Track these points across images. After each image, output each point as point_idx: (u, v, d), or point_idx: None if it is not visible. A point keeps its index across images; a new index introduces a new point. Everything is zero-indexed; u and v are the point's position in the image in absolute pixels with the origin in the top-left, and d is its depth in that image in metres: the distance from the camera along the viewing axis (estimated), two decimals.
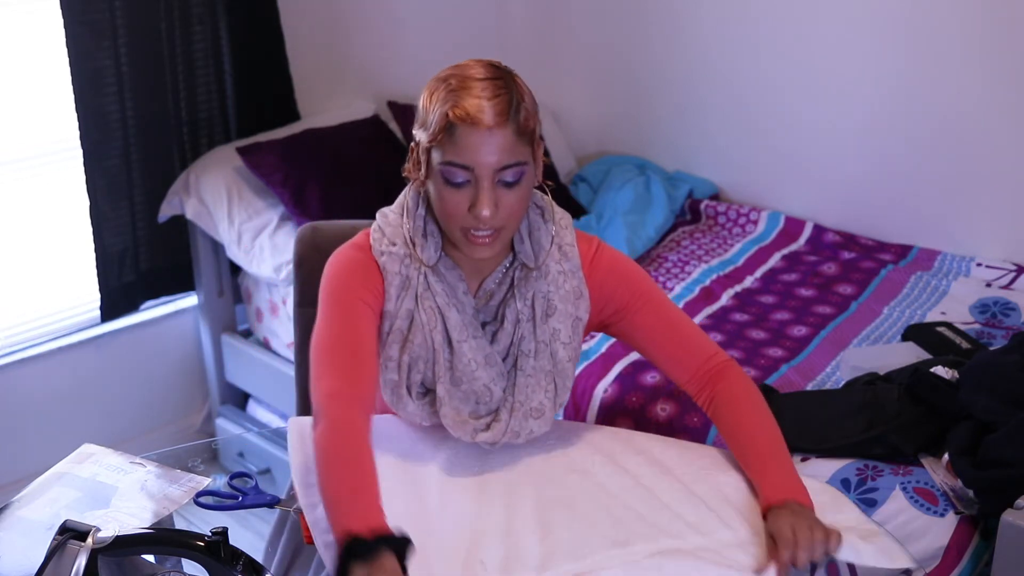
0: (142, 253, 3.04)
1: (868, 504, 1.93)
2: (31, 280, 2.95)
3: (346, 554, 1.25)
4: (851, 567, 1.42)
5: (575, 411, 2.43)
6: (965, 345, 2.38)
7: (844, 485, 1.98)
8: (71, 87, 2.79)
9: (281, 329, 3.02)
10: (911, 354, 2.36)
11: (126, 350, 3.13)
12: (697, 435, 2.23)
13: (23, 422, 2.95)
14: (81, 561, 1.25)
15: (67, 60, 2.76)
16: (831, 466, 2.04)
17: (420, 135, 1.45)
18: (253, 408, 3.23)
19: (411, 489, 1.47)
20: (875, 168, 3.09)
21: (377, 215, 1.57)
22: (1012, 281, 2.78)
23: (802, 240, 3.14)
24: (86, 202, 2.91)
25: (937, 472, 1.98)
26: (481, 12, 3.76)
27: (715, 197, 3.46)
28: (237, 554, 1.28)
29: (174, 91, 3.00)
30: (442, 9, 3.62)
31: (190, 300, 3.22)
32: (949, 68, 2.87)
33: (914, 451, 2.03)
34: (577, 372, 2.45)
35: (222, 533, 1.28)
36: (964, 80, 2.85)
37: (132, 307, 3.08)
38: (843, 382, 2.32)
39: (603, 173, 3.54)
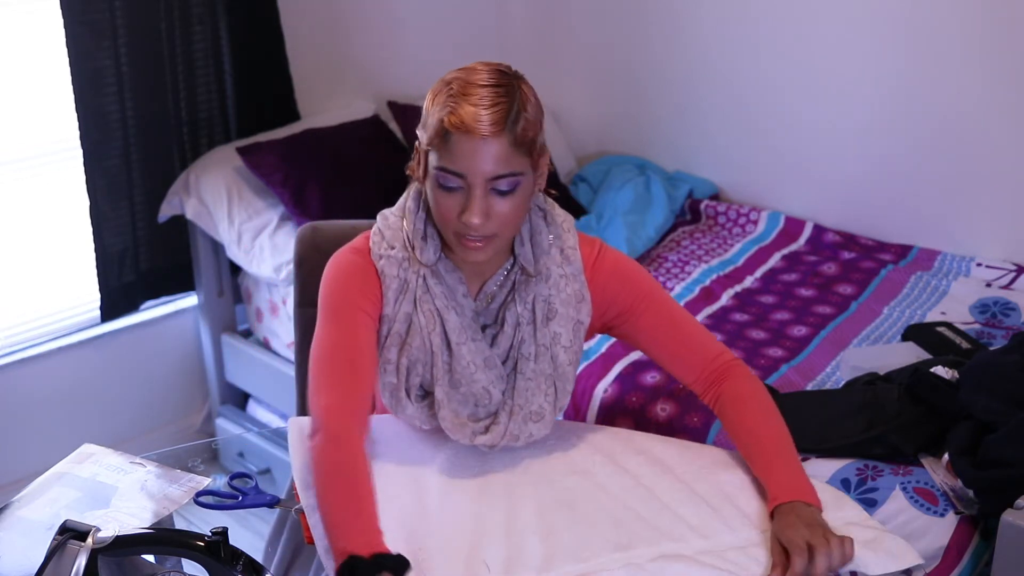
0: (142, 253, 3.04)
1: (868, 504, 1.93)
2: (31, 280, 2.95)
3: (345, 573, 1.25)
4: (853, 573, 1.41)
5: (575, 411, 2.43)
6: (965, 345, 2.38)
7: (844, 485, 1.98)
8: (71, 87, 2.79)
9: (281, 329, 3.02)
10: (911, 354, 2.36)
11: (126, 350, 3.13)
12: (697, 435, 2.23)
13: (23, 422, 2.95)
14: (81, 561, 1.25)
15: (67, 60, 2.76)
16: (831, 466, 2.04)
17: (421, 135, 1.45)
18: (253, 408, 3.23)
19: (412, 490, 1.47)
20: (875, 168, 3.09)
21: (378, 217, 1.57)
22: (1012, 281, 2.78)
23: (802, 240, 3.14)
24: (86, 202, 2.91)
25: (937, 472, 1.97)
26: (481, 12, 3.76)
27: (715, 197, 3.46)
28: (237, 554, 1.28)
29: (174, 91, 3.00)
30: (442, 9, 3.62)
31: (190, 300, 3.22)
32: (949, 68, 2.87)
33: (914, 451, 2.03)
34: (577, 372, 2.45)
35: (222, 533, 1.28)
36: (964, 80, 2.85)
37: (132, 307, 3.08)
38: (843, 382, 2.32)
39: (603, 173, 3.54)
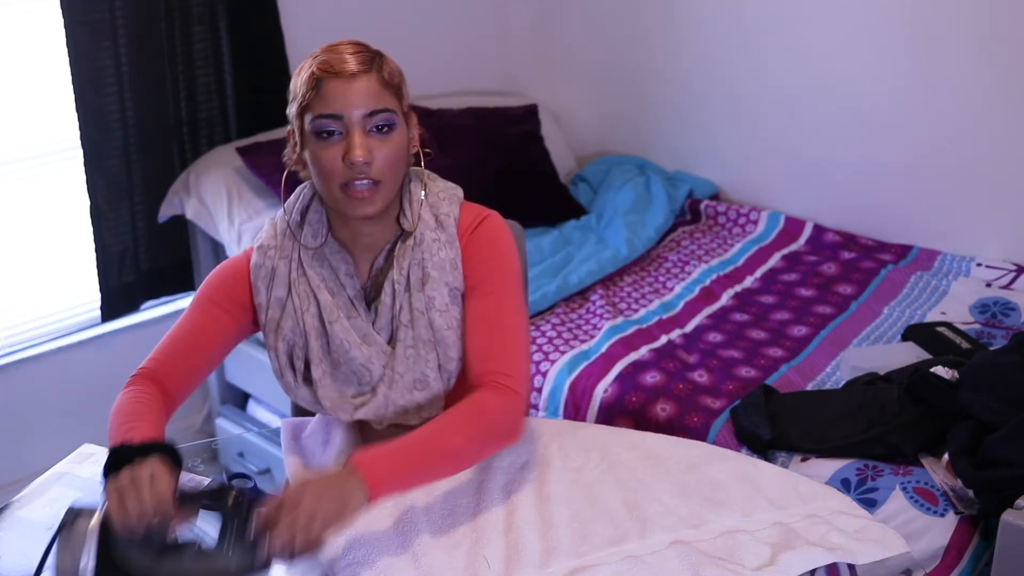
0: (142, 253, 3.04)
1: (868, 504, 1.93)
2: (31, 280, 2.95)
3: (110, 461, 1.28)
4: (851, 567, 1.42)
5: (575, 411, 2.43)
6: (965, 345, 2.38)
7: (844, 485, 1.98)
8: (71, 87, 2.79)
9: None
10: (911, 354, 2.36)
11: (126, 350, 3.13)
12: (697, 435, 2.23)
13: (23, 422, 2.95)
14: (95, 527, 1.23)
15: (67, 60, 2.76)
16: (831, 466, 2.04)
17: (291, 108, 1.48)
18: (253, 408, 3.23)
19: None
20: (875, 168, 3.09)
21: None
22: (1012, 281, 2.78)
23: (802, 240, 3.14)
24: (86, 202, 2.91)
25: (937, 472, 1.98)
26: (482, 12, 3.76)
27: (715, 197, 3.46)
28: (238, 496, 1.26)
29: (174, 91, 3.00)
30: (443, 8, 3.62)
31: (190, 300, 3.21)
32: (949, 68, 2.87)
33: (914, 451, 2.03)
34: (577, 372, 2.45)
35: (227, 483, 1.29)
36: (964, 80, 2.85)
37: (132, 307, 3.08)
38: (843, 382, 2.32)
39: (603, 173, 3.54)
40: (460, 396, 1.45)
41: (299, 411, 1.89)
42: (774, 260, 3.05)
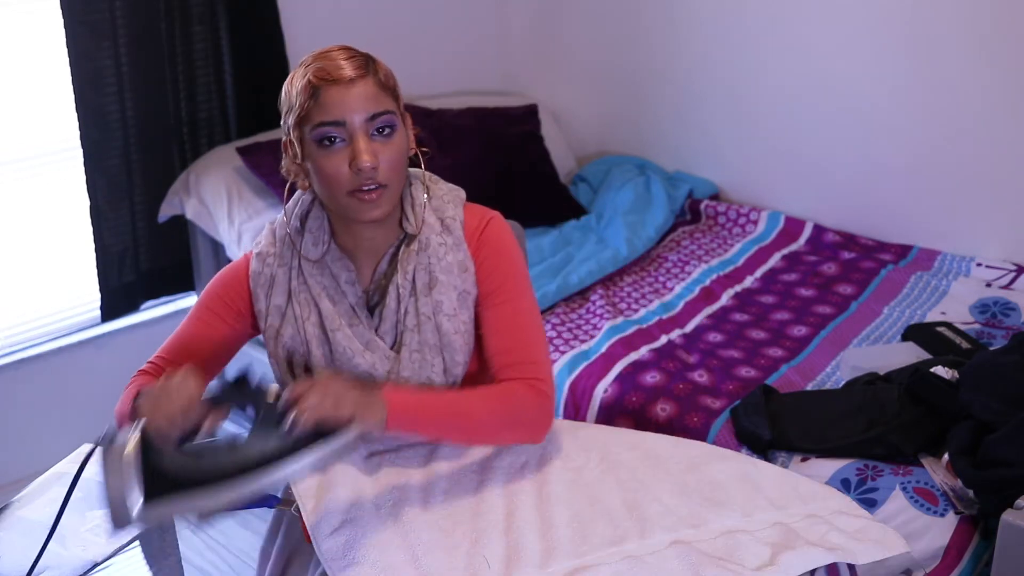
0: (142, 253, 3.04)
1: (868, 504, 1.93)
2: (31, 280, 2.95)
3: (136, 399, 1.31)
4: (851, 567, 1.42)
5: (575, 411, 2.43)
6: (965, 345, 2.38)
7: (844, 485, 1.98)
8: (71, 87, 2.80)
9: None
10: (911, 354, 2.36)
11: (126, 350, 3.13)
12: (697, 435, 2.23)
13: (23, 422, 2.95)
14: (134, 440, 1.25)
15: (67, 60, 2.77)
16: (831, 466, 2.04)
17: (288, 119, 1.48)
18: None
19: (413, 488, 1.48)
20: (875, 168, 3.09)
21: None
22: (1012, 281, 2.78)
23: (802, 240, 3.14)
24: (86, 202, 2.91)
25: (937, 472, 1.98)
26: (482, 12, 3.76)
27: (715, 197, 3.46)
28: (262, 382, 1.31)
29: (174, 91, 3.01)
30: (443, 8, 3.62)
31: (190, 300, 3.22)
32: (949, 69, 2.87)
33: (914, 451, 2.03)
34: (577, 372, 2.45)
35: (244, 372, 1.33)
36: (964, 80, 2.85)
37: (132, 307, 3.08)
38: (843, 382, 2.32)
39: (603, 173, 3.54)
40: None
41: None
42: (774, 260, 3.05)
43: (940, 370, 2.09)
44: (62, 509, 1.33)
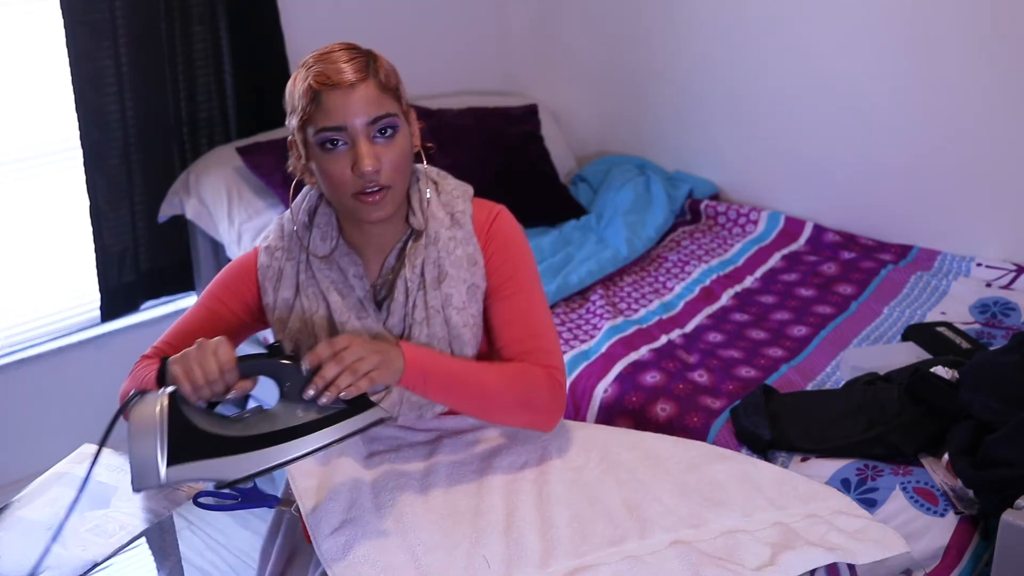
0: (142, 253, 3.04)
1: (868, 504, 1.93)
2: (31, 280, 2.95)
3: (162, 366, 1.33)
4: (851, 567, 1.42)
5: (575, 411, 2.43)
6: (965, 345, 2.38)
7: (844, 485, 1.98)
8: (71, 87, 2.80)
9: None
10: (911, 354, 2.36)
11: (126, 350, 3.12)
12: (697, 435, 2.23)
13: (23, 422, 2.95)
14: (163, 402, 1.26)
15: (67, 60, 2.77)
16: (831, 466, 2.04)
17: (292, 121, 1.49)
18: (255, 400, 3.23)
19: (413, 487, 1.48)
20: (875, 168, 3.09)
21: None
22: (1012, 281, 2.78)
23: (802, 240, 3.14)
24: (86, 202, 2.91)
25: (937, 472, 1.98)
26: (482, 12, 3.76)
27: (715, 197, 3.46)
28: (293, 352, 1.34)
29: (174, 91, 3.00)
30: (443, 8, 3.62)
31: (190, 300, 3.22)
32: (949, 69, 2.87)
33: (914, 451, 2.03)
34: (577, 372, 2.45)
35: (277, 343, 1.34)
36: (964, 80, 2.85)
37: (132, 307, 3.08)
38: (843, 382, 2.32)
39: (603, 173, 3.54)
40: None
41: None
42: (774, 260, 3.05)
43: (940, 370, 2.09)
44: (70, 510, 1.33)
